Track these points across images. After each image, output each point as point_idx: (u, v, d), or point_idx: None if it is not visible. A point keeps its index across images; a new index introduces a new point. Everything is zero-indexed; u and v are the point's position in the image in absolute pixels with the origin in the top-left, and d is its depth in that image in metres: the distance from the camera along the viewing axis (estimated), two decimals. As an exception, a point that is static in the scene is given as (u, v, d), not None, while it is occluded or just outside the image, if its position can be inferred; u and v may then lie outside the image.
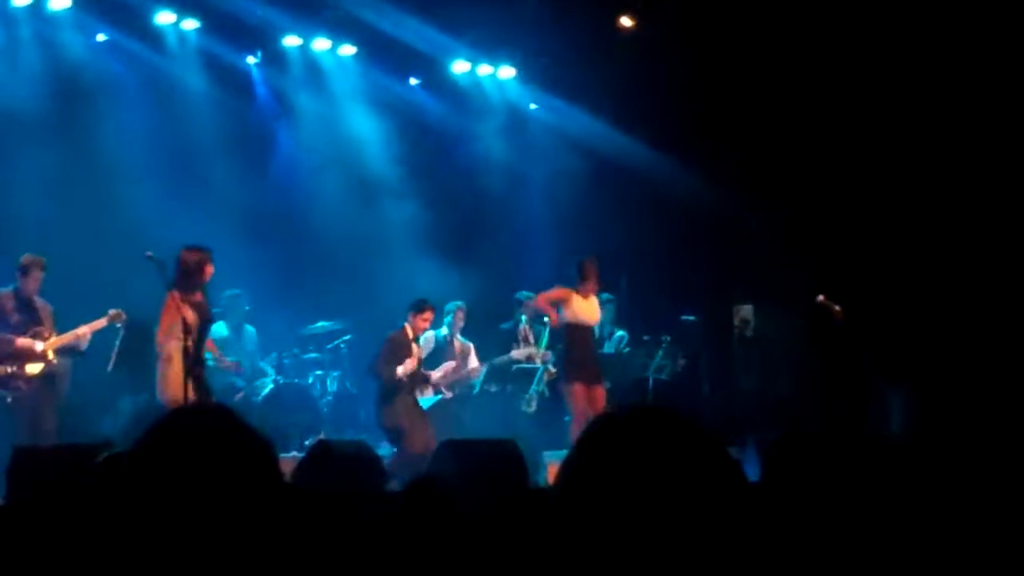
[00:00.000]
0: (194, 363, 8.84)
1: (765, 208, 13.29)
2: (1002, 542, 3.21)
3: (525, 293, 11.89)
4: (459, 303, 11.90)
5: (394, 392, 10.54)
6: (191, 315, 8.83)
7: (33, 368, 9.69)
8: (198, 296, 9.00)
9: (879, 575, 2.79)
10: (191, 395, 8.67)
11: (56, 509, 3.30)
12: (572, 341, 10.80)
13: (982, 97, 12.09)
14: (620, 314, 12.60)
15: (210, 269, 9.10)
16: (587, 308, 10.81)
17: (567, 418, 10.98)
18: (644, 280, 12.97)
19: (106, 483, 3.19)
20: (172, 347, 8.82)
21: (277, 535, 1.88)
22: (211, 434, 1.91)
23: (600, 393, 10.77)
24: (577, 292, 10.72)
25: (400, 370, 10.56)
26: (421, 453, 9.83)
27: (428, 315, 10.87)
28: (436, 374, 11.45)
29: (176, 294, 8.77)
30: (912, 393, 11.33)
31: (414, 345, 10.75)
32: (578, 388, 10.65)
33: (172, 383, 8.73)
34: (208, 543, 1.84)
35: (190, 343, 8.72)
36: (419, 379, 10.88)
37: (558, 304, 10.82)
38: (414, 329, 10.78)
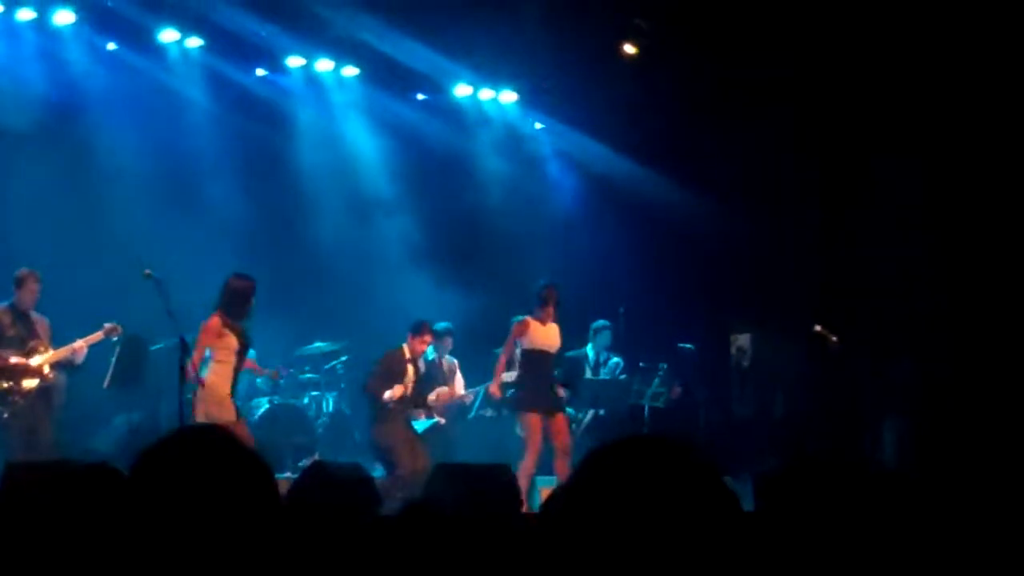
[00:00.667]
0: (232, 388, 9.04)
1: (766, 237, 13.30)
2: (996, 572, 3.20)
3: (519, 317, 11.90)
4: (447, 324, 11.94)
5: (388, 412, 10.48)
6: (233, 340, 9.04)
7: (30, 383, 9.67)
8: (239, 323, 9.13)
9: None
10: (232, 417, 8.85)
11: (49, 527, 3.28)
12: (527, 368, 10.57)
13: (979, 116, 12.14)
14: (617, 340, 12.60)
15: (252, 299, 9.18)
16: (545, 334, 10.66)
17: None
18: (642, 307, 12.96)
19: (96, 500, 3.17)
20: (212, 370, 9.03)
21: (274, 557, 1.88)
22: (209, 455, 1.90)
23: (560, 420, 10.50)
24: (534, 318, 10.60)
25: (388, 394, 10.48)
26: (411, 475, 9.81)
27: (427, 337, 10.85)
28: (430, 398, 11.46)
29: (218, 318, 8.99)
30: (907, 423, 11.34)
31: (409, 366, 10.71)
32: (533, 418, 10.38)
33: (214, 407, 8.86)
34: (205, 564, 1.84)
35: (233, 367, 8.99)
36: (416, 401, 10.83)
37: (517, 340, 10.65)
38: (412, 350, 10.75)
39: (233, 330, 9.06)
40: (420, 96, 14.22)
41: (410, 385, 10.65)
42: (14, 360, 9.62)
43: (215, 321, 9.00)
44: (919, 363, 11.69)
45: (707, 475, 1.52)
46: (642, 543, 1.46)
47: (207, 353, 9.08)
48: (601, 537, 1.47)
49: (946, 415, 11.29)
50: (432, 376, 11.69)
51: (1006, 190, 12.06)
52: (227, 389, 9.01)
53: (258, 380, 12.11)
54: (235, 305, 9.10)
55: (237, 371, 9.18)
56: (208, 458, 1.91)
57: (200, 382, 8.88)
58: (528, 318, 10.51)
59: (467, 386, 12.28)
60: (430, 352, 11.62)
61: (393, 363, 10.64)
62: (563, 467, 10.06)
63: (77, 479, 3.34)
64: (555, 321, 10.61)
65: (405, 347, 10.72)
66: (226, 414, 8.90)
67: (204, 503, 1.86)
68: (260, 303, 12.06)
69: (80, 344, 9.90)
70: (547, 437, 10.34)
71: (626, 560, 1.46)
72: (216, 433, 1.97)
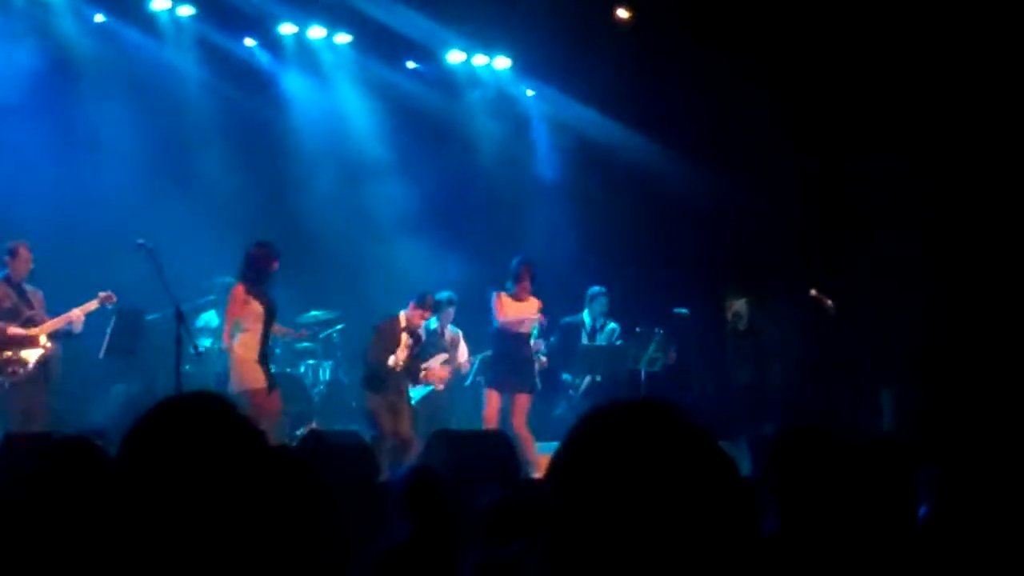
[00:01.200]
0: (262, 354, 9.23)
1: (759, 201, 13.28)
2: (994, 538, 3.22)
3: (495, 291, 11.92)
4: (449, 294, 11.95)
5: (375, 379, 10.46)
6: (258, 307, 9.27)
7: (30, 354, 9.67)
8: (263, 289, 9.37)
9: (871, 570, 2.79)
10: (262, 384, 9.10)
11: (46, 499, 3.29)
12: (496, 344, 10.82)
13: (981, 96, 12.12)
14: (613, 306, 12.60)
15: (275, 264, 9.41)
16: (518, 310, 10.75)
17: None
18: (637, 272, 12.96)
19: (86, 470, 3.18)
20: (239, 340, 9.26)
21: (271, 521, 1.88)
22: (202, 422, 1.90)
23: (522, 400, 10.65)
24: (508, 294, 10.68)
25: (392, 360, 10.52)
26: (392, 442, 9.87)
27: (427, 312, 10.85)
28: (431, 364, 11.47)
29: (241, 287, 9.26)
30: (904, 389, 11.36)
31: (404, 335, 10.69)
32: (492, 394, 10.65)
33: (244, 375, 9.15)
34: (202, 530, 1.84)
35: (260, 334, 9.25)
36: (412, 369, 10.83)
37: (497, 311, 10.76)
38: (409, 320, 10.72)
39: (257, 297, 9.30)
40: (412, 64, 14.16)
41: (403, 355, 10.63)
42: (12, 331, 9.61)
43: (239, 290, 9.30)
44: (918, 328, 11.71)
45: (700, 437, 1.52)
46: (636, 509, 1.47)
47: (237, 323, 9.34)
48: (595, 502, 1.47)
49: (944, 381, 11.31)
50: (434, 346, 11.71)
51: (1006, 143, 12.05)
52: (254, 356, 9.23)
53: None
54: (255, 272, 9.35)
55: (265, 338, 9.41)
56: (199, 426, 1.90)
57: (231, 350, 9.18)
58: (502, 293, 10.61)
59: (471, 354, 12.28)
60: (432, 322, 11.63)
61: (387, 331, 10.63)
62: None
63: (74, 450, 3.35)
64: (532, 295, 10.70)
65: (402, 315, 10.71)
66: (254, 382, 9.16)
67: (196, 472, 1.86)
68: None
69: (77, 313, 9.88)
70: (506, 416, 10.49)
71: (620, 525, 1.46)
72: (207, 400, 1.97)
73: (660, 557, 1.43)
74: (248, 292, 9.26)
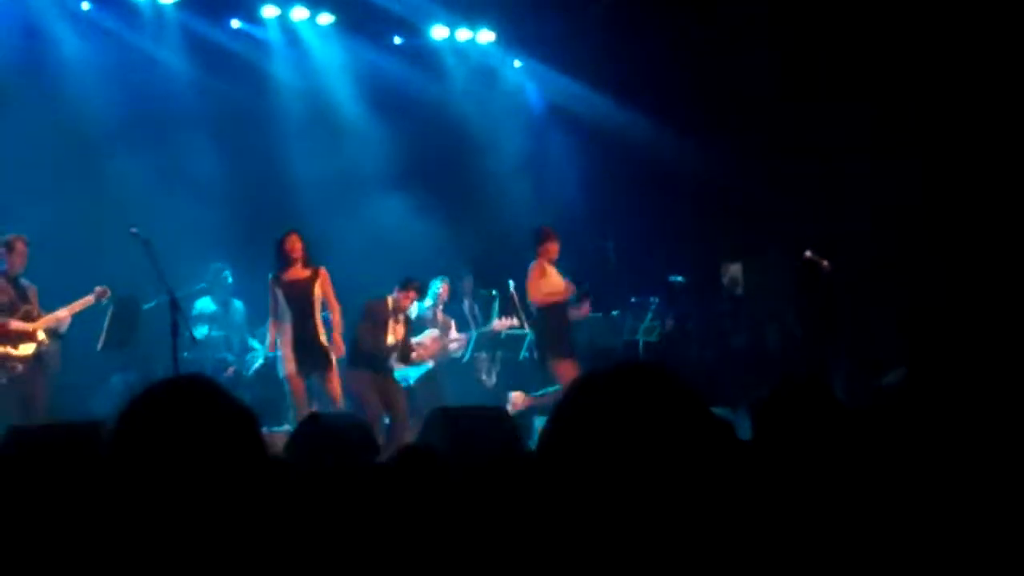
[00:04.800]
0: (299, 336, 9.69)
1: (750, 165, 13.27)
2: (990, 493, 3.23)
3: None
4: (444, 278, 11.97)
5: (361, 358, 10.46)
6: (280, 295, 9.83)
7: (27, 348, 9.67)
8: (290, 274, 9.84)
9: (871, 526, 2.80)
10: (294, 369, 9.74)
11: (49, 489, 3.30)
12: (553, 313, 10.69)
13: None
14: (607, 275, 12.59)
15: (294, 245, 9.86)
16: (559, 277, 10.78)
17: (556, 387, 10.95)
18: (630, 242, 12.95)
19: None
20: (274, 329, 9.91)
21: (259, 502, 1.89)
22: (190, 404, 1.91)
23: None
24: (547, 262, 10.68)
25: (391, 339, 10.52)
26: (376, 423, 9.88)
27: (412, 294, 10.79)
28: (423, 339, 11.50)
29: (271, 278, 9.88)
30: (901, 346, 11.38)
31: (391, 319, 10.65)
32: (567, 364, 10.51)
33: (285, 361, 9.80)
34: (192, 513, 1.84)
35: (289, 321, 9.78)
36: (405, 351, 10.81)
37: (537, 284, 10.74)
38: (396, 302, 10.69)
39: (280, 285, 9.83)
40: (397, 40, 14.11)
41: (398, 335, 10.63)
42: (11, 325, 9.60)
43: (270, 280, 9.88)
44: (914, 287, 11.74)
45: (692, 401, 1.52)
46: (628, 472, 1.47)
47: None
48: (586, 466, 1.48)
49: (942, 339, 11.34)
50: (427, 326, 11.75)
51: (999, 103, 12.04)
52: (287, 340, 9.77)
53: (249, 338, 12.10)
54: (278, 259, 9.88)
55: (296, 324, 9.77)
56: (190, 408, 1.91)
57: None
58: (542, 262, 10.62)
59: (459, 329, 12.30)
60: (426, 303, 11.69)
61: (377, 311, 10.61)
62: None
63: (74, 440, 3.36)
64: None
65: (389, 299, 10.70)
66: (290, 366, 9.77)
67: (187, 453, 1.87)
68: (248, 257, 12.09)
69: (74, 307, 9.86)
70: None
71: (613, 488, 1.46)
72: (198, 383, 1.97)
73: (650, 517, 1.44)
74: (273, 282, 9.92)
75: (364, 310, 10.65)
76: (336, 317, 9.91)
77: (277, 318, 9.89)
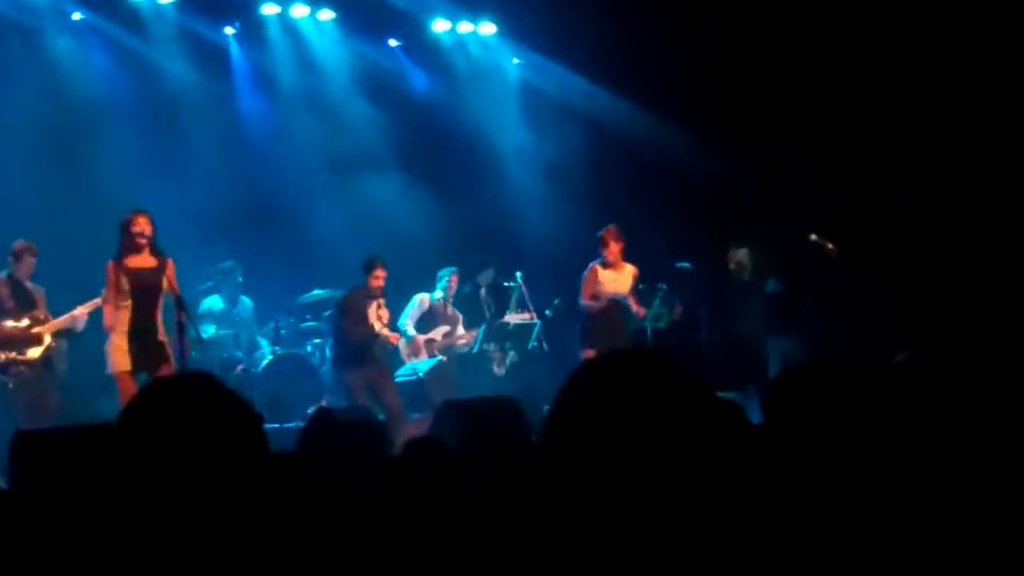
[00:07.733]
0: (137, 329, 8.78)
1: (755, 152, 13.25)
2: (1000, 473, 3.21)
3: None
4: (453, 268, 11.96)
5: (348, 353, 10.42)
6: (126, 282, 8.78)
7: (34, 352, 9.70)
8: (136, 260, 8.80)
9: (882, 505, 2.78)
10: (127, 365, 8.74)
11: (61, 492, 3.30)
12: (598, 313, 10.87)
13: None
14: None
15: (143, 228, 8.78)
16: (615, 282, 10.95)
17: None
18: (637, 229, 12.93)
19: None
20: (112, 316, 8.87)
21: (262, 498, 1.88)
22: (190, 402, 1.90)
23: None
24: (600, 265, 10.88)
25: (378, 326, 10.45)
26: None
27: (378, 272, 10.58)
28: (433, 335, 11.49)
29: (112, 262, 8.78)
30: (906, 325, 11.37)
31: (371, 304, 10.57)
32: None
33: (117, 354, 8.76)
34: (193, 511, 1.84)
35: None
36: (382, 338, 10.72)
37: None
38: (368, 288, 10.59)
39: (124, 272, 8.80)
40: (394, 42, 14.11)
41: (382, 320, 10.55)
42: (15, 328, 9.63)
43: (110, 264, 8.85)
44: (921, 272, 11.75)
45: (694, 384, 1.51)
46: (632, 458, 1.46)
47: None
48: (588, 454, 1.47)
49: (950, 321, 11.33)
50: (437, 318, 11.77)
51: (999, 103, 12.05)
52: (122, 331, 8.76)
53: (257, 335, 12.11)
54: (121, 245, 8.86)
55: (137, 315, 8.85)
56: (191, 406, 1.90)
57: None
58: (596, 265, 10.64)
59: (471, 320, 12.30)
60: (437, 294, 11.72)
61: (352, 303, 10.54)
62: None
63: (83, 443, 3.35)
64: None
65: (359, 288, 10.64)
66: (122, 361, 8.74)
67: (188, 450, 1.86)
68: (256, 255, 12.11)
69: (81, 311, 9.89)
70: None
71: (616, 473, 1.45)
72: (198, 381, 1.97)
73: (654, 501, 1.43)
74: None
75: (341, 307, 10.58)
76: (182, 316, 8.57)
77: (114, 305, 8.79)
